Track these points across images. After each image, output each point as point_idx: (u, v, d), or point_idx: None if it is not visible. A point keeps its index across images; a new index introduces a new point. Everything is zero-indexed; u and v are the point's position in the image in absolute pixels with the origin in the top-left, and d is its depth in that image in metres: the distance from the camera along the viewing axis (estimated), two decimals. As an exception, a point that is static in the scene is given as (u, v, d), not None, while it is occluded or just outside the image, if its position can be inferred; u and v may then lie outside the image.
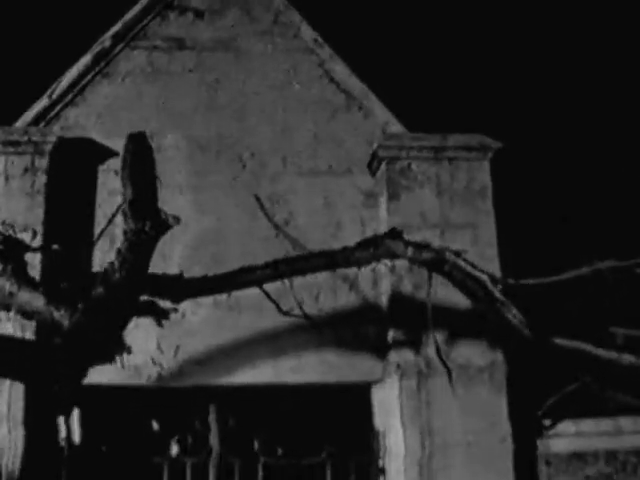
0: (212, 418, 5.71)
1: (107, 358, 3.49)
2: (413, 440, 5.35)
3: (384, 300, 5.69)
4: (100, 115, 5.84)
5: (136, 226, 3.35)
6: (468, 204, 5.63)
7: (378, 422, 5.78)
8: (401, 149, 5.69)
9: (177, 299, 4.24)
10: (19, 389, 5.27)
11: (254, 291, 5.47)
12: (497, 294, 3.50)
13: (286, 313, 4.59)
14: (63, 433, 5.55)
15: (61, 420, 5.54)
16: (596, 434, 5.71)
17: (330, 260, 4.23)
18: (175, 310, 4.26)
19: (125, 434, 5.71)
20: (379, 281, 5.74)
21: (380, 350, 5.64)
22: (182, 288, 4.20)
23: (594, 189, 5.63)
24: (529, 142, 5.86)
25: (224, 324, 5.62)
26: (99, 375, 5.49)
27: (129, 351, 3.62)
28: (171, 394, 5.75)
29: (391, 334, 5.52)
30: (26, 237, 3.67)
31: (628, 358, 3.11)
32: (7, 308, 3.20)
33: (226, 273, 4.22)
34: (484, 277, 3.53)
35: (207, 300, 5.57)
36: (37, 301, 3.18)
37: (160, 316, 4.19)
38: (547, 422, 5.70)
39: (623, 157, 5.94)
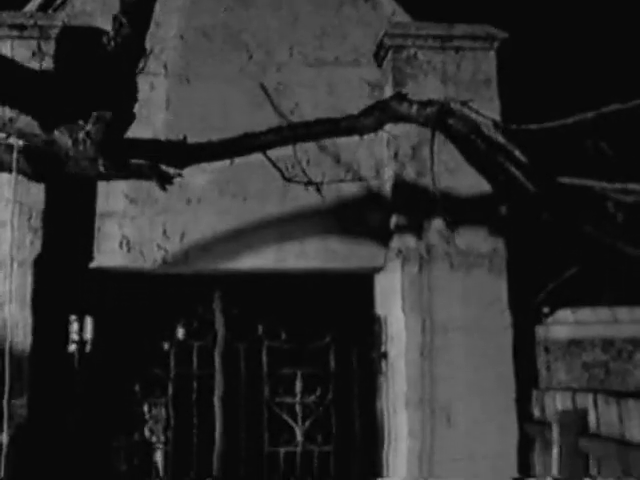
0: (217, 304, 5.66)
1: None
2: (414, 324, 5.29)
3: (387, 188, 5.58)
4: (106, 2, 5.66)
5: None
6: (473, 93, 5.46)
7: (380, 308, 5.72)
8: (407, 37, 5.52)
9: (181, 164, 4.13)
10: (27, 268, 5.22)
11: (259, 177, 5.42)
12: (500, 139, 3.38)
13: (289, 180, 4.48)
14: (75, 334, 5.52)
15: (74, 321, 5.51)
16: (594, 322, 5.66)
17: (334, 127, 4.10)
18: (179, 175, 4.16)
19: (133, 321, 5.67)
20: (382, 170, 5.63)
21: (383, 238, 5.55)
22: (186, 153, 4.08)
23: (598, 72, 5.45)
24: (536, 33, 5.67)
25: (229, 211, 5.53)
26: (107, 259, 5.50)
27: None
28: (176, 281, 5.70)
29: (393, 220, 5.42)
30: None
31: (634, 187, 2.99)
32: (7, 134, 3.09)
33: (230, 138, 4.09)
34: (489, 122, 3.40)
35: (213, 188, 5.51)
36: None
37: (164, 180, 4.09)
38: (546, 310, 5.65)
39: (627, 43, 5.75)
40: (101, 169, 3.21)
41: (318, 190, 4.63)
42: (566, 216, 3.29)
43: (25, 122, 3.05)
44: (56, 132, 2.98)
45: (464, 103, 3.52)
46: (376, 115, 3.95)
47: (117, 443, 5.54)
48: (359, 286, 5.76)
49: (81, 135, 3.05)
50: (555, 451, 4.71)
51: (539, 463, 5.16)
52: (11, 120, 3.05)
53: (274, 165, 4.25)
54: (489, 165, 3.50)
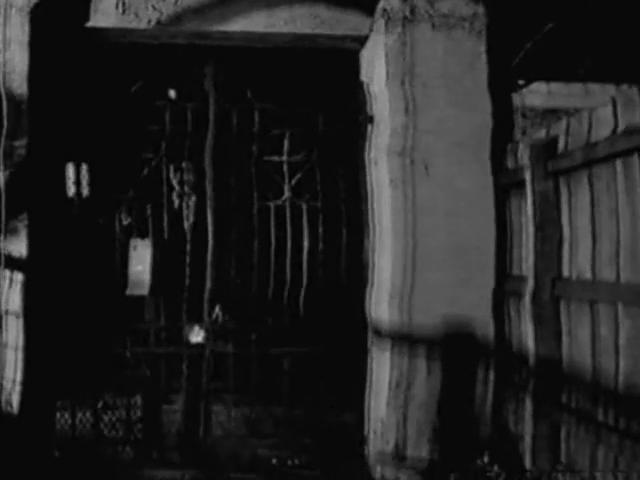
0: (208, 70, 5.61)
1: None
2: (397, 83, 5.27)
3: (374, -38, 5.51)
4: None
5: None
6: None
7: (365, 77, 5.70)
8: None
9: None
10: (25, 14, 5.14)
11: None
12: None
13: None
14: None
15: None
16: (567, 95, 5.66)
17: None
18: None
19: (127, 87, 5.62)
20: (371, -55, 5.55)
21: (369, 10, 5.49)
22: None
23: None
24: None
25: None
26: (102, 19, 5.42)
27: None
28: (169, 50, 5.65)
29: (379, -16, 5.36)
30: None
31: None
32: None
33: None
34: None
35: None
36: None
37: None
38: (521, 82, 5.64)
39: None
40: None
41: None
42: None
43: None
44: None
45: None
46: None
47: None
48: (346, 59, 5.73)
49: None
50: (527, 176, 4.75)
51: (514, 208, 5.20)
52: None
53: None
54: None
